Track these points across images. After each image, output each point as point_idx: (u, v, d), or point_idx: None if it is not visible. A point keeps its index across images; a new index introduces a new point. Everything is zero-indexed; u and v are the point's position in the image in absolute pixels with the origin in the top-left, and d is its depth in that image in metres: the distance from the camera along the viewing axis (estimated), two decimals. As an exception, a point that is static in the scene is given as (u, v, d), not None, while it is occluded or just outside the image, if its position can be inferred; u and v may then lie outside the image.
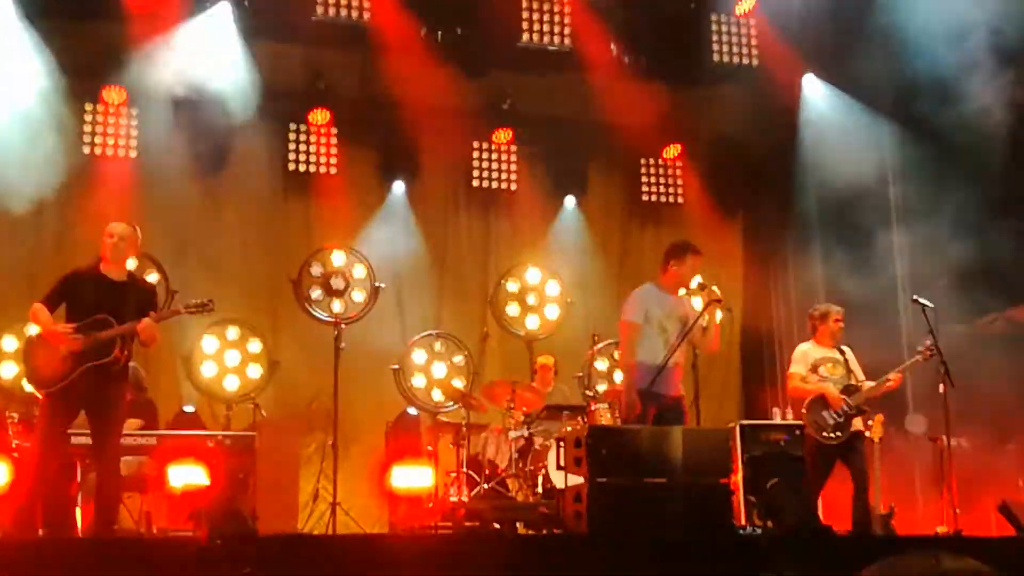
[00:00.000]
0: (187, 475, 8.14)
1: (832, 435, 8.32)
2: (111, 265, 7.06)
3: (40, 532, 7.00)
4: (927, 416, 9.67)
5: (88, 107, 10.79)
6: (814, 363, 8.60)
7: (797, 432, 8.81)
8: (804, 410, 8.42)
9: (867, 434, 8.31)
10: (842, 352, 8.67)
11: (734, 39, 11.77)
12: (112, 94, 10.77)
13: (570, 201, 12.57)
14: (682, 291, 8.04)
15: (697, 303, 7.91)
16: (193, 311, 7.42)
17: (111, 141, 10.83)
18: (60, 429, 6.92)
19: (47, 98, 10.22)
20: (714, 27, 11.71)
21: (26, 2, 10.20)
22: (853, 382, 8.51)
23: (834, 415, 8.34)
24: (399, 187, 11.96)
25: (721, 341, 8.49)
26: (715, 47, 11.70)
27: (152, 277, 10.75)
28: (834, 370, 8.57)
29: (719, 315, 8.10)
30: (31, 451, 7.07)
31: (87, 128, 10.81)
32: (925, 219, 10.57)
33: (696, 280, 7.81)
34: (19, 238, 10.63)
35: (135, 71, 10.56)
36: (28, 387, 7.12)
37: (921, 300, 8.53)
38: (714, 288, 7.68)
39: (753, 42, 11.77)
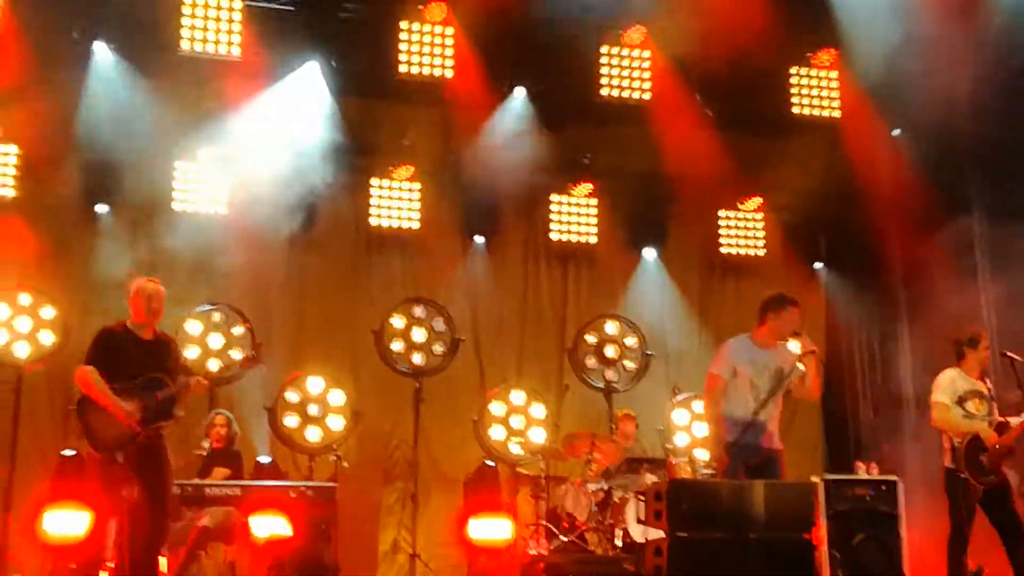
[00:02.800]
0: (270, 526, 8.25)
1: (988, 479, 7.91)
2: (143, 323, 7.08)
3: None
4: (1018, 471, 9.42)
5: (177, 165, 11.11)
6: (961, 395, 8.09)
7: (883, 487, 8.61)
8: (959, 447, 7.96)
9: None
10: (986, 383, 8.18)
11: (815, 91, 11.78)
12: (204, 153, 11.08)
13: (649, 253, 12.59)
14: (786, 344, 7.86)
15: (794, 347, 7.77)
16: (244, 366, 7.59)
17: (202, 197, 11.13)
18: (116, 485, 6.92)
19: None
20: (794, 79, 11.73)
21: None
22: (1000, 418, 7.99)
23: (989, 457, 7.90)
24: (479, 240, 12.09)
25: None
26: (795, 99, 11.73)
27: (238, 330, 10.99)
28: (980, 406, 8.07)
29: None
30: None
31: (177, 185, 11.12)
32: (1015, 267, 10.39)
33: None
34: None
35: (226, 131, 10.89)
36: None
37: (1011, 354, 8.33)
38: (807, 337, 7.56)
39: (834, 94, 11.75)
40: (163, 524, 7.05)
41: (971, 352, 8.19)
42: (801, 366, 7.50)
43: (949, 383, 8.17)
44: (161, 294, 7.16)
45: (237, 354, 10.78)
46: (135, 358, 6.96)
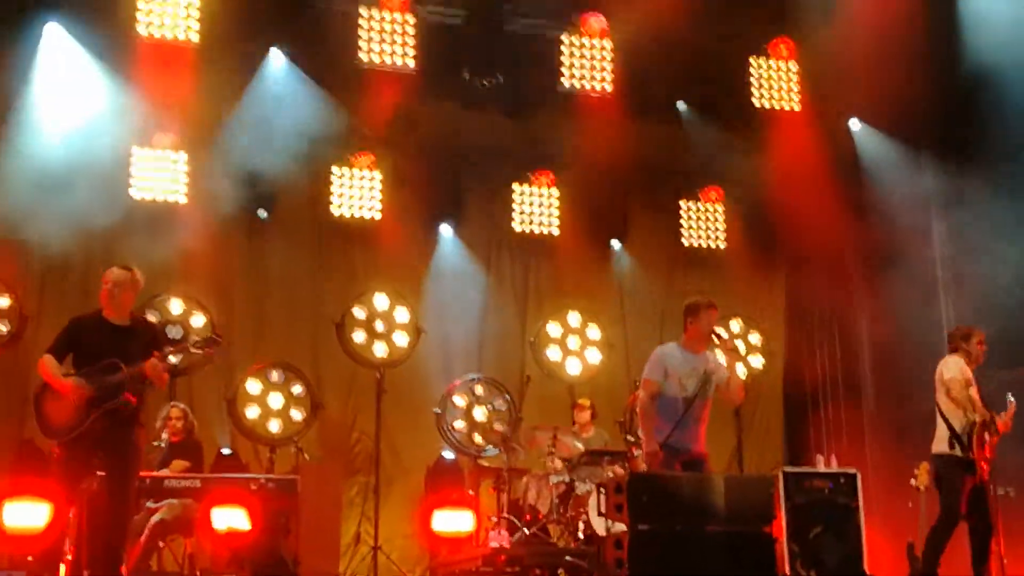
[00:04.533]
0: (230, 518, 8.19)
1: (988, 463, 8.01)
2: (111, 311, 7.06)
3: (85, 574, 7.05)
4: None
5: (135, 152, 10.94)
6: (967, 381, 8.18)
7: (841, 480, 8.70)
8: (964, 429, 8.05)
9: (913, 482, 8.18)
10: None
11: (775, 84, 11.83)
12: (163, 140, 10.94)
13: (612, 244, 12.58)
14: (714, 351, 7.95)
15: (723, 358, 7.84)
16: (200, 347, 7.36)
17: (160, 186, 10.98)
18: (76, 476, 6.86)
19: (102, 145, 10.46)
20: (754, 71, 11.76)
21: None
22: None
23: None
24: (445, 231, 12.04)
25: (745, 392, 8.20)
26: (756, 91, 11.76)
27: (198, 320, 10.88)
28: (976, 397, 8.16)
29: (742, 368, 7.94)
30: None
31: (135, 173, 10.96)
32: (972, 263, 10.50)
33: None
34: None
35: (186, 118, 10.74)
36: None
37: None
38: (722, 333, 7.68)
39: (795, 87, 11.81)
40: (123, 518, 6.95)
41: (965, 347, 8.33)
42: (725, 372, 7.57)
43: (956, 365, 8.21)
44: (120, 278, 7.07)
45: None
46: (102, 344, 6.90)
